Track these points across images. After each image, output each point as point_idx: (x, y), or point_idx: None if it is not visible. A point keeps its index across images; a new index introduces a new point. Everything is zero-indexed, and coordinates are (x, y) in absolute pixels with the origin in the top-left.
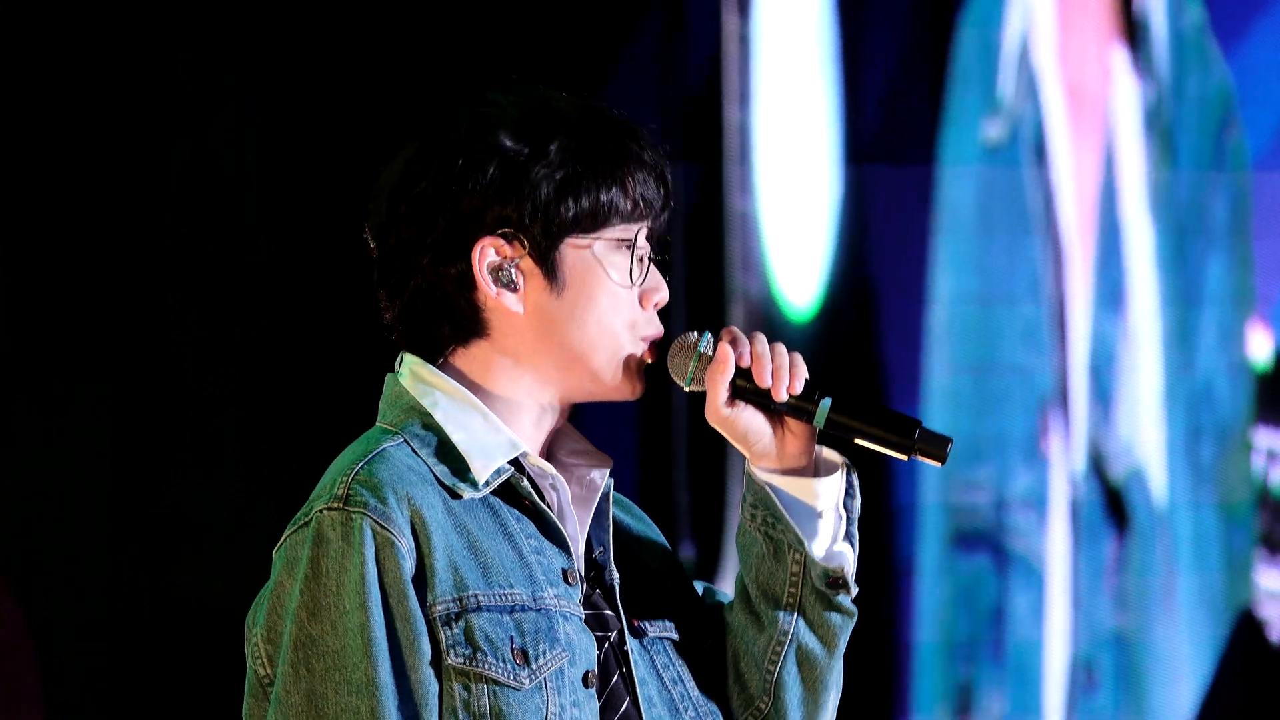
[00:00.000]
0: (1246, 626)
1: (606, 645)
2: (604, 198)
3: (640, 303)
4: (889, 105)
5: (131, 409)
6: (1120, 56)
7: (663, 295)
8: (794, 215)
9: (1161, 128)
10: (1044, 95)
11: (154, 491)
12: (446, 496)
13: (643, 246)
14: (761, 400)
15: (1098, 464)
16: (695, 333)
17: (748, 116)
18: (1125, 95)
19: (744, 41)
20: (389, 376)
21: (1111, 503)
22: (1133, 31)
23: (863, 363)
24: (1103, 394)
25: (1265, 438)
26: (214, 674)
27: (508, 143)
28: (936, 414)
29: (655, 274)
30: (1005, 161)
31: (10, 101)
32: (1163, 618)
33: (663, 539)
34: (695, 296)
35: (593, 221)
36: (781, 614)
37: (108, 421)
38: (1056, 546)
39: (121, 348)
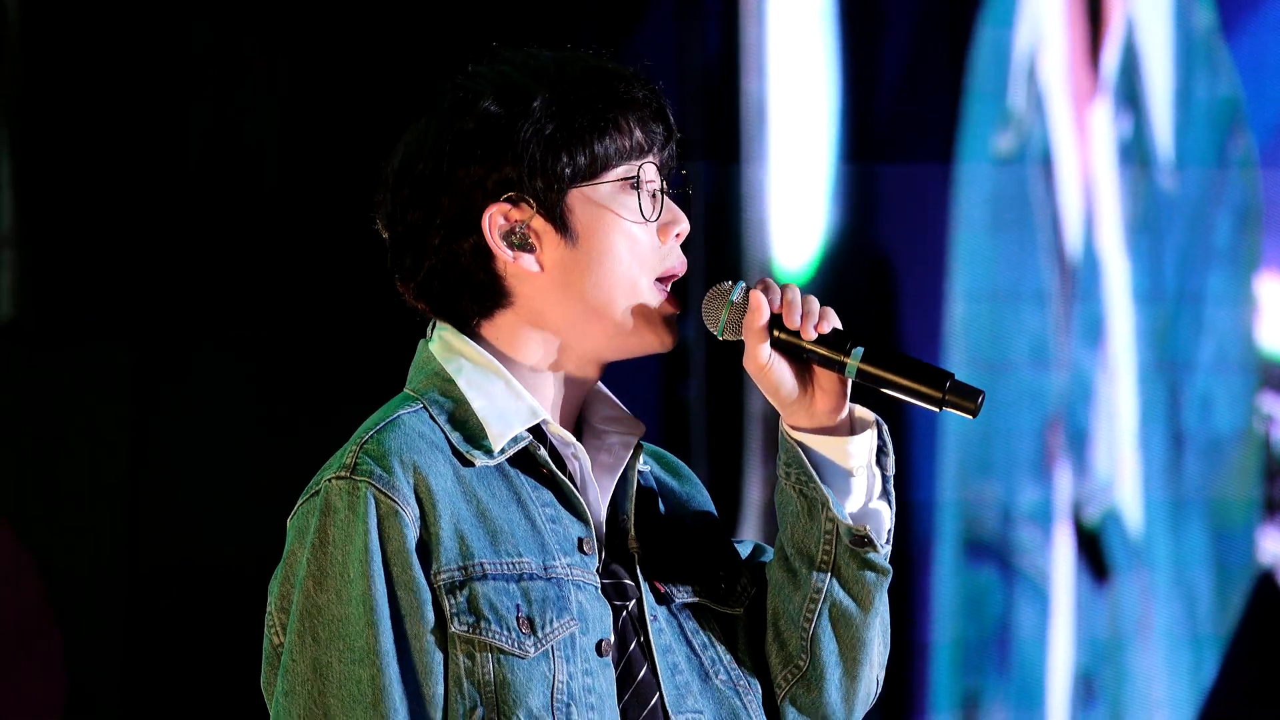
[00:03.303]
0: (1265, 588)
1: (625, 614)
2: (597, 146)
3: (659, 237)
4: (902, 97)
5: (151, 378)
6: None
7: (683, 226)
8: (797, 203)
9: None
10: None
11: (173, 462)
12: (458, 464)
13: (651, 180)
14: (795, 351)
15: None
16: (729, 281)
17: (763, 92)
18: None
19: (759, 21)
20: (421, 342)
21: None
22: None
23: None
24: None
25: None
26: (236, 645)
27: (491, 108)
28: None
29: (671, 206)
30: (1016, 163)
31: (30, 75)
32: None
33: (705, 496)
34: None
35: (592, 169)
36: (815, 572)
37: (127, 391)
38: (1061, 564)
39: (140, 317)
